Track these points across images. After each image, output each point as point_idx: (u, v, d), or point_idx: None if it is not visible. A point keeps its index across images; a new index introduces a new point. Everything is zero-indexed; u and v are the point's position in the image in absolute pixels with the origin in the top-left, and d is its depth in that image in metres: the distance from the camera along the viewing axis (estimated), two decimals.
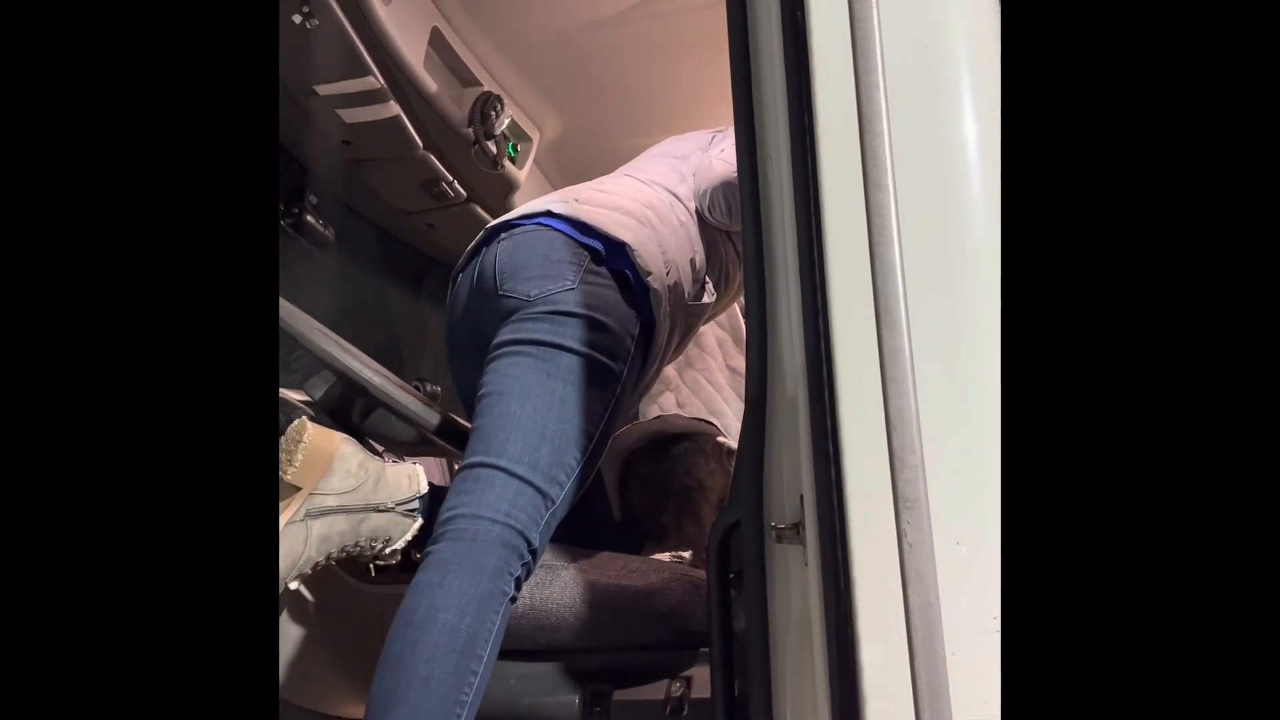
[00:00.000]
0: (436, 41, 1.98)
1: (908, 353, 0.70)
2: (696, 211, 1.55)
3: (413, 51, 1.88)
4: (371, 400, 1.34)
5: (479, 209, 2.38)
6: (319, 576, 1.86)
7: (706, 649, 1.26)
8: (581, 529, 1.56)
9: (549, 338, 1.25)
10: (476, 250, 1.42)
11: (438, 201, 2.31)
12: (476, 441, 1.22)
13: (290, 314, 1.27)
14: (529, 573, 1.20)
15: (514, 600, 1.16)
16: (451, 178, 2.24)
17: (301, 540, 1.19)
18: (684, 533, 1.81)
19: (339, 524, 1.23)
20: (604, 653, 1.41)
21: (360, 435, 1.35)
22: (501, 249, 1.35)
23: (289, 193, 2.12)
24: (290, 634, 1.78)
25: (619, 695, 1.36)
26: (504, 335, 1.28)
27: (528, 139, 2.38)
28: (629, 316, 1.32)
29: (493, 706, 1.23)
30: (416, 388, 1.43)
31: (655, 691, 1.36)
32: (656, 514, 1.84)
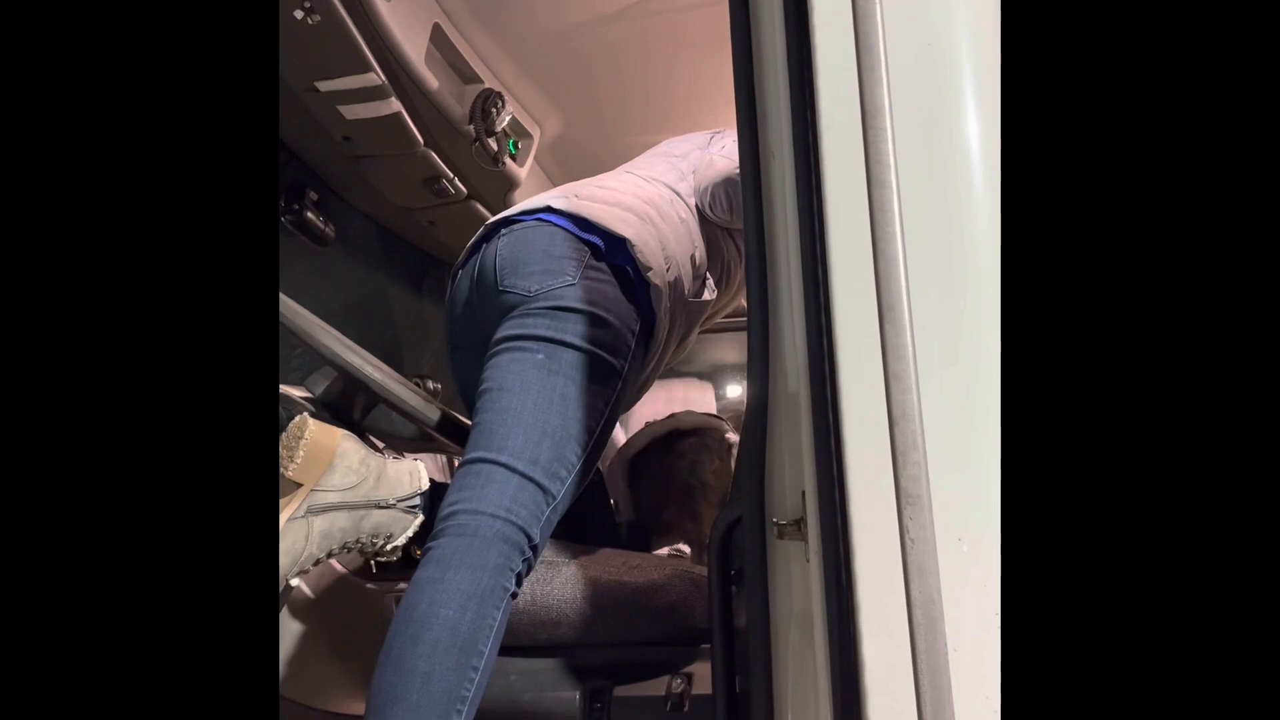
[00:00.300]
0: (437, 38, 1.98)
1: (910, 348, 0.70)
2: (697, 208, 1.55)
3: (414, 48, 1.87)
4: (372, 396, 1.34)
5: (479, 206, 2.37)
6: (319, 573, 1.87)
7: (708, 645, 1.26)
8: (583, 526, 1.56)
9: (550, 333, 1.25)
10: (477, 246, 1.42)
11: (438, 198, 2.31)
12: (477, 437, 1.22)
13: (291, 310, 1.27)
14: (530, 568, 1.20)
15: (515, 596, 1.16)
16: (452, 174, 2.23)
17: (303, 537, 1.19)
18: (684, 530, 1.82)
19: (340, 520, 1.23)
20: (605, 649, 1.41)
21: (361, 431, 1.35)
22: (502, 245, 1.35)
23: (289, 189, 2.12)
24: (291, 630, 1.78)
25: (620, 691, 1.36)
26: (505, 331, 1.28)
27: (528, 136, 2.38)
28: (629, 312, 1.32)
29: (493, 703, 1.23)
30: (417, 384, 1.44)
31: (656, 687, 1.36)
32: (658, 510, 1.85)
